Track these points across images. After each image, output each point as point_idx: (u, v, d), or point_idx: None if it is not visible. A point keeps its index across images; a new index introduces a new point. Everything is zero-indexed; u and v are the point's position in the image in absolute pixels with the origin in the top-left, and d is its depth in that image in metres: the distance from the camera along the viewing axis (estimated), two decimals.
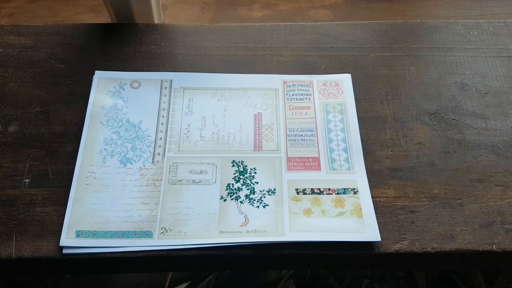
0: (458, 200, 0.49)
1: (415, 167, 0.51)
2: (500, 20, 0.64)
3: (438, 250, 0.46)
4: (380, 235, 0.46)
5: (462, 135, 0.54)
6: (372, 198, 0.49)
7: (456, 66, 0.59)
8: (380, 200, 0.49)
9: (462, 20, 0.64)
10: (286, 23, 0.63)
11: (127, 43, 0.60)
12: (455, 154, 0.52)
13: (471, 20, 0.64)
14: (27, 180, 0.49)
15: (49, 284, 0.80)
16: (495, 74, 0.58)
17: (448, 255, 0.46)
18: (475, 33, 0.62)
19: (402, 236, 0.47)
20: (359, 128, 0.54)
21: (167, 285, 0.77)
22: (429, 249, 0.46)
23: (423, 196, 0.49)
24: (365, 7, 0.71)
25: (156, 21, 0.63)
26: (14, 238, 0.46)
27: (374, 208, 0.48)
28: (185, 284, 0.77)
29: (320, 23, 0.63)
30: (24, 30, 0.61)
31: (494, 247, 0.46)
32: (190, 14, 0.70)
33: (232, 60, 0.59)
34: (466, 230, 0.47)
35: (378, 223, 0.47)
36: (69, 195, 0.48)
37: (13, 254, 0.45)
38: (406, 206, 0.49)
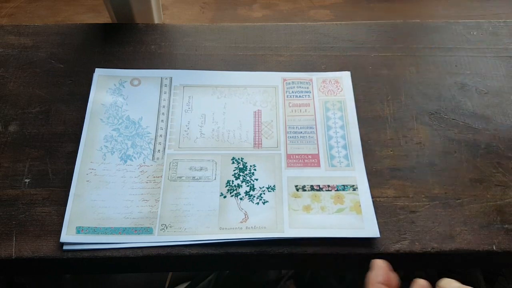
0: (458, 200, 0.49)
1: (415, 167, 0.51)
2: (500, 20, 0.64)
3: (438, 250, 0.46)
4: (380, 234, 0.46)
5: (462, 135, 0.54)
6: (372, 198, 0.49)
7: (456, 66, 0.59)
8: (380, 200, 0.49)
9: (462, 20, 0.64)
10: (286, 23, 0.63)
11: (127, 43, 0.60)
12: (455, 154, 0.52)
13: (471, 20, 0.64)
14: (27, 180, 0.49)
15: (49, 284, 0.80)
16: (495, 74, 0.58)
17: (448, 255, 0.46)
18: (475, 33, 0.62)
19: (402, 236, 0.47)
20: (359, 128, 0.54)
21: (167, 285, 0.77)
22: (429, 249, 0.46)
23: (423, 196, 0.49)
24: (365, 7, 0.71)
25: (156, 21, 0.63)
26: (14, 238, 0.46)
27: (374, 208, 0.48)
28: (185, 284, 0.77)
29: (320, 23, 0.63)
30: (24, 30, 0.61)
31: (494, 247, 0.46)
32: (190, 14, 0.70)
33: (232, 60, 0.59)
34: (466, 230, 0.47)
35: (378, 223, 0.47)
36: (69, 194, 0.48)
37: (13, 254, 0.45)
38: (406, 206, 0.49)
